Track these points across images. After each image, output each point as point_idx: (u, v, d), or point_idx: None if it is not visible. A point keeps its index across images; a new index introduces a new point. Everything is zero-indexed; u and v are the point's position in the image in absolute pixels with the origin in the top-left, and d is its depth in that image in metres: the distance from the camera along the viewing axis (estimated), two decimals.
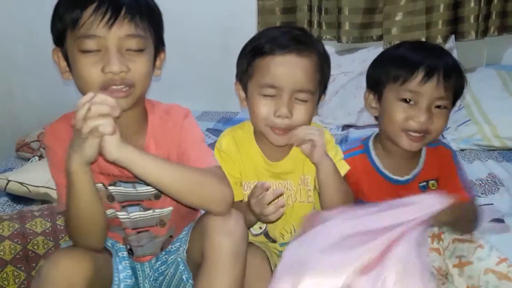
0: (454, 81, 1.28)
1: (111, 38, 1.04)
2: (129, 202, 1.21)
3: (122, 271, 1.19)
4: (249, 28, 2.83)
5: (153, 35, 1.13)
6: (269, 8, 2.75)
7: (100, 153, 1.00)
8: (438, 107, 1.28)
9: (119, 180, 1.19)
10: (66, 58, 1.11)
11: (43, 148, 2.28)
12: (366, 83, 1.41)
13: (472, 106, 2.37)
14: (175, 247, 1.24)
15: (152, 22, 1.13)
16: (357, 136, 2.44)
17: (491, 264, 1.26)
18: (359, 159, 1.38)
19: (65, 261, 1.03)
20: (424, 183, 1.39)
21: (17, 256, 1.38)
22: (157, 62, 1.20)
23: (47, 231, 1.46)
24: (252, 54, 1.25)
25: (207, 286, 1.06)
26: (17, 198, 1.87)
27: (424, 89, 1.25)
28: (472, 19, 2.55)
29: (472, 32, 2.57)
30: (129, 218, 1.22)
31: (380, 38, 2.71)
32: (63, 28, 1.07)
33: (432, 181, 1.40)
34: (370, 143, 1.41)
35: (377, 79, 1.34)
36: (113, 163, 1.01)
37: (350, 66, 2.68)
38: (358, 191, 1.37)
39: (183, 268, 1.20)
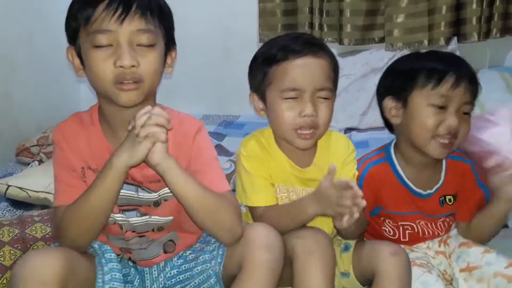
0: (476, 87, 1.31)
1: (122, 33, 1.08)
2: (127, 207, 1.21)
3: (107, 272, 1.18)
4: (250, 31, 2.83)
5: (163, 32, 1.16)
6: (270, 10, 2.75)
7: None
8: (465, 113, 1.30)
9: (124, 182, 1.18)
10: (79, 56, 1.14)
11: (43, 153, 2.27)
12: (383, 91, 1.39)
13: (475, 108, 2.35)
14: (202, 258, 1.23)
15: (162, 20, 1.15)
16: (359, 139, 2.43)
17: (500, 267, 1.26)
18: (382, 168, 1.37)
19: (35, 258, 1.04)
20: (443, 198, 1.39)
21: (17, 262, 1.36)
22: (168, 60, 1.22)
23: (47, 236, 1.45)
24: (266, 63, 1.27)
25: None
26: (17, 203, 1.86)
27: (455, 93, 1.26)
28: (474, 21, 2.55)
29: (474, 34, 2.56)
30: (128, 222, 1.22)
31: (382, 40, 2.70)
32: (76, 26, 1.11)
33: (449, 197, 1.39)
34: (391, 151, 1.40)
35: (401, 86, 1.32)
36: (150, 166, 1.10)
37: (352, 68, 2.67)
38: (378, 199, 1.36)
39: (214, 281, 1.20)
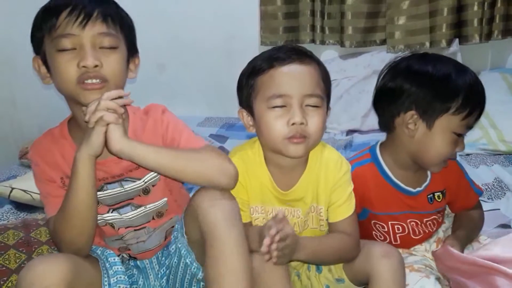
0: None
1: (85, 36, 1.12)
2: (119, 204, 1.24)
3: (112, 275, 1.20)
4: (252, 33, 2.83)
5: (124, 37, 1.19)
6: (271, 13, 2.74)
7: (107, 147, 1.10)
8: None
9: (106, 182, 1.22)
10: (45, 63, 1.17)
11: None
12: (393, 99, 1.32)
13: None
14: (173, 237, 1.25)
15: (123, 27, 1.19)
16: (361, 141, 2.43)
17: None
18: (368, 168, 1.37)
19: (40, 264, 1.06)
20: (431, 195, 1.40)
21: (22, 265, 1.37)
22: (131, 66, 1.25)
23: (51, 240, 1.45)
24: (252, 75, 1.22)
25: (212, 259, 1.07)
26: (20, 206, 1.87)
27: (473, 125, 1.30)
28: (476, 23, 2.55)
29: (476, 35, 2.56)
30: (122, 218, 1.24)
31: (383, 42, 2.70)
32: (41, 36, 1.15)
33: (438, 193, 1.41)
34: (377, 152, 1.39)
35: (432, 105, 1.26)
36: (115, 155, 1.11)
37: (354, 70, 2.67)
38: (365, 200, 1.36)
39: (185, 252, 1.21)
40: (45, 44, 1.15)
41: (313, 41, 2.76)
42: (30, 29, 1.18)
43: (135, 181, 1.23)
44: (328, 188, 1.27)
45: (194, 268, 1.21)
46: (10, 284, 1.32)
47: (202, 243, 1.12)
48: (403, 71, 1.32)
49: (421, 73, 1.29)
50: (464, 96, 1.24)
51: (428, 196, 1.39)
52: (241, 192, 1.24)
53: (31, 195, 1.83)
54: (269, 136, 1.20)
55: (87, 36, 1.11)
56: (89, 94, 1.12)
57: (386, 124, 1.37)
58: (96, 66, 1.11)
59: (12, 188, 1.85)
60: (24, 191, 1.84)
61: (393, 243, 1.39)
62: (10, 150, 2.47)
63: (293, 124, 1.16)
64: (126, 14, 1.23)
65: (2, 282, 1.31)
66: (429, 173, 1.40)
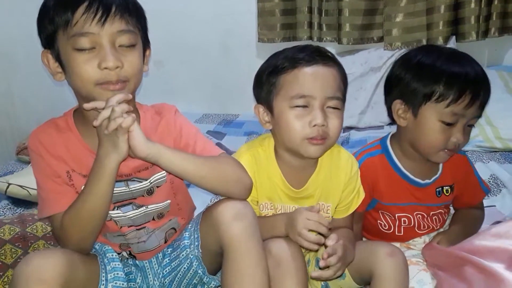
0: (487, 98, 1.28)
1: (104, 35, 1.08)
2: (121, 203, 1.22)
3: (110, 271, 1.20)
4: (249, 30, 2.83)
5: (141, 31, 1.16)
6: (269, 10, 2.75)
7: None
8: (470, 125, 1.29)
9: None
10: (58, 59, 1.13)
11: None
12: (393, 91, 1.34)
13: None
14: (183, 244, 1.24)
15: (139, 19, 1.16)
16: (358, 138, 2.44)
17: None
18: (378, 159, 1.38)
19: (36, 258, 1.05)
20: (440, 188, 1.40)
21: (18, 260, 1.37)
22: (145, 59, 1.22)
23: (47, 235, 1.45)
24: (274, 73, 1.23)
25: (236, 273, 1.08)
26: (17, 201, 1.87)
27: (467, 112, 1.24)
28: (472, 20, 2.55)
29: (472, 33, 2.57)
30: (125, 217, 1.23)
31: (380, 39, 2.71)
32: (53, 30, 1.10)
33: (447, 187, 1.41)
34: (388, 144, 1.40)
35: (415, 92, 1.27)
36: (143, 159, 1.10)
37: (351, 67, 2.67)
38: (375, 191, 1.37)
39: (197, 264, 1.21)
40: (59, 40, 1.10)
41: (310, 38, 2.76)
42: (36, 21, 1.13)
43: (141, 182, 1.21)
44: (340, 187, 1.31)
45: (206, 278, 1.22)
46: (6, 279, 1.32)
47: (216, 252, 1.14)
48: (400, 61, 1.35)
49: (411, 62, 1.31)
50: (445, 82, 1.22)
51: (437, 190, 1.39)
52: (252, 192, 1.26)
53: (28, 191, 1.83)
54: (289, 135, 1.21)
55: (106, 35, 1.07)
56: (109, 95, 1.08)
57: (388, 114, 1.39)
58: (117, 67, 1.08)
59: (9, 184, 1.85)
60: (21, 186, 1.84)
61: (396, 234, 1.41)
62: (7, 145, 2.47)
63: (314, 125, 1.18)
64: (139, 3, 1.19)
65: None
66: (440, 166, 1.40)
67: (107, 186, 1.10)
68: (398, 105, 1.31)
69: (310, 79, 1.19)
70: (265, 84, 1.25)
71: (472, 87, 1.23)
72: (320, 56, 1.22)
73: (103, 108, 1.06)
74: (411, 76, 1.29)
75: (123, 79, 1.10)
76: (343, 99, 1.24)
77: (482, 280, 1.13)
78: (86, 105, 1.09)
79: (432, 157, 1.32)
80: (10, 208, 1.84)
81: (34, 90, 2.67)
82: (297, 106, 1.19)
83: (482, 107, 1.28)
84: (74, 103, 1.21)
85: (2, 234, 1.40)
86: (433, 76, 1.24)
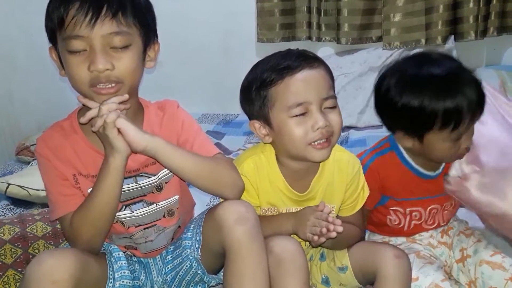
0: (484, 102, 1.28)
1: (95, 37, 1.07)
2: (131, 200, 1.23)
3: (117, 270, 1.20)
4: (249, 30, 2.84)
5: (139, 29, 1.14)
6: (268, 10, 2.76)
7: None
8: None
9: None
10: (59, 57, 1.15)
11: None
12: (392, 122, 1.33)
13: None
14: (184, 243, 1.24)
15: (137, 15, 1.13)
16: (357, 137, 2.44)
17: (486, 256, 1.31)
18: (389, 157, 1.38)
19: (48, 258, 1.05)
20: (447, 175, 1.40)
21: (18, 260, 1.38)
22: (150, 54, 1.21)
23: (47, 235, 1.46)
24: (263, 87, 1.21)
25: (237, 275, 1.09)
26: (17, 202, 1.87)
27: (470, 128, 1.27)
28: (471, 20, 2.56)
29: (471, 32, 2.57)
30: (134, 216, 1.23)
31: (379, 39, 2.71)
32: (52, 28, 1.11)
33: None
34: (396, 141, 1.39)
35: (415, 128, 1.27)
36: (142, 153, 1.11)
37: (350, 67, 2.68)
38: (385, 188, 1.38)
39: (196, 265, 1.22)
40: (58, 40, 1.11)
41: (309, 38, 2.77)
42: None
43: (150, 177, 1.22)
44: (342, 187, 1.32)
45: (206, 278, 1.23)
46: (6, 279, 1.32)
47: (218, 253, 1.15)
48: (385, 99, 1.31)
49: (397, 104, 1.26)
50: (441, 122, 1.21)
51: (445, 176, 1.39)
52: (252, 196, 1.27)
53: (27, 191, 1.83)
54: (293, 143, 1.21)
55: (97, 37, 1.06)
56: (104, 98, 1.09)
57: (389, 129, 1.38)
58: (107, 69, 1.08)
59: (9, 184, 1.86)
60: (21, 186, 1.84)
61: (405, 229, 1.42)
62: (7, 146, 2.47)
63: (318, 129, 1.18)
64: (143, 0, 1.17)
65: None
66: None
67: (115, 183, 1.12)
68: (401, 134, 1.31)
69: (302, 85, 1.18)
70: (256, 99, 1.23)
71: (469, 113, 1.22)
72: (305, 60, 1.20)
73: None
74: (404, 118, 1.27)
75: (115, 81, 1.10)
76: (336, 96, 1.25)
77: None
78: (80, 98, 1.12)
79: (449, 161, 1.35)
80: (10, 208, 1.85)
81: (34, 91, 2.67)
82: (296, 115, 1.19)
83: (482, 111, 1.28)
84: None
85: (2, 234, 1.41)
86: (427, 118, 1.22)
